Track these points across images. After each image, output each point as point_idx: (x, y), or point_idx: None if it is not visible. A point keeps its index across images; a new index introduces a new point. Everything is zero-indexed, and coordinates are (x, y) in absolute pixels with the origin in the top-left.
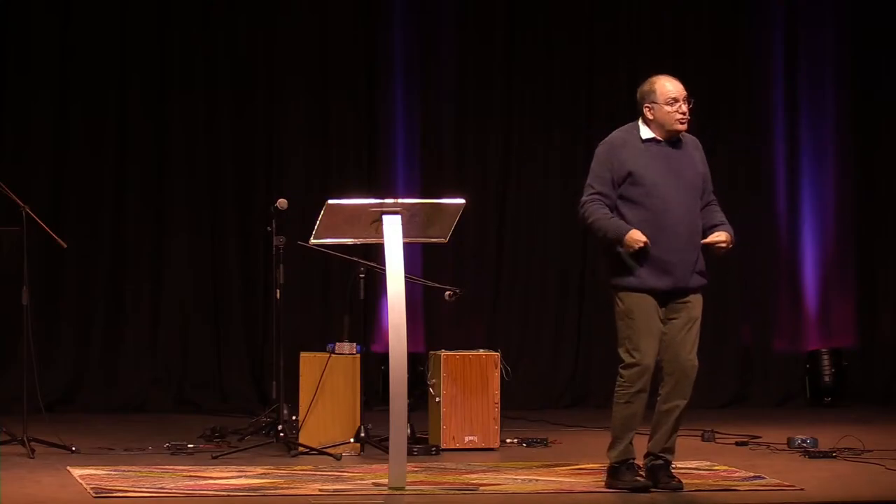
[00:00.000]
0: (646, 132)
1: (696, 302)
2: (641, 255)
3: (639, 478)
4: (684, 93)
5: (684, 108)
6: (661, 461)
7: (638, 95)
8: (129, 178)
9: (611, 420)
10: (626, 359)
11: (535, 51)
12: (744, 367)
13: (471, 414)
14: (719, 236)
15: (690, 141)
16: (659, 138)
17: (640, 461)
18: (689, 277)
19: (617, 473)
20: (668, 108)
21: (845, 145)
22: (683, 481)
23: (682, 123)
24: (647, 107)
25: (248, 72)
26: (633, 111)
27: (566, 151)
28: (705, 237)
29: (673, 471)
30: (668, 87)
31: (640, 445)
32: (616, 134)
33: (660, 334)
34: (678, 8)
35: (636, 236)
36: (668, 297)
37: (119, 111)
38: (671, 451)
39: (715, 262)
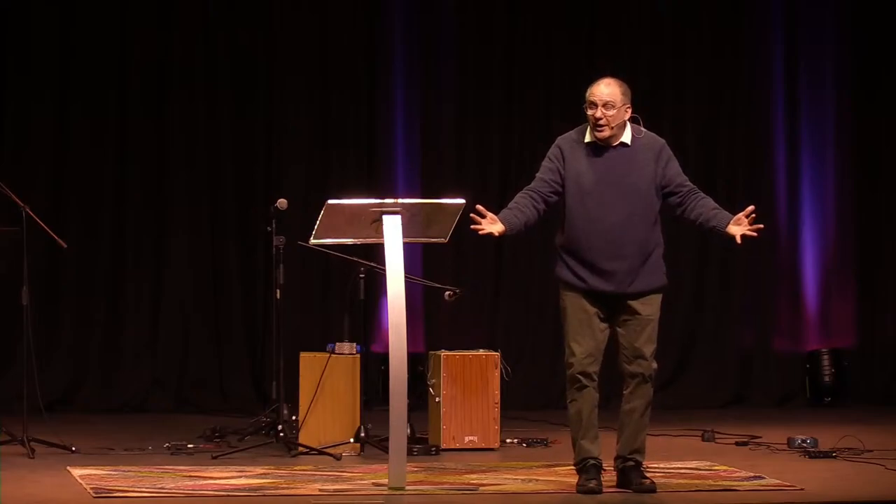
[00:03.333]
0: (588, 135)
1: (647, 304)
2: (578, 256)
3: (592, 482)
4: (607, 98)
5: (599, 113)
6: (631, 462)
7: None
8: (129, 178)
9: None
10: (565, 359)
11: (535, 51)
12: (744, 367)
13: (471, 414)
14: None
15: (645, 142)
16: (600, 143)
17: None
18: (630, 283)
19: (578, 476)
20: (588, 111)
21: (845, 145)
22: (683, 480)
23: (597, 129)
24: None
25: (248, 72)
26: (632, 111)
27: None
28: (708, 229)
29: (645, 470)
30: (593, 87)
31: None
32: (569, 133)
33: (598, 335)
34: (678, 8)
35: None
36: (613, 300)
37: (119, 111)
38: (641, 451)
39: (715, 263)
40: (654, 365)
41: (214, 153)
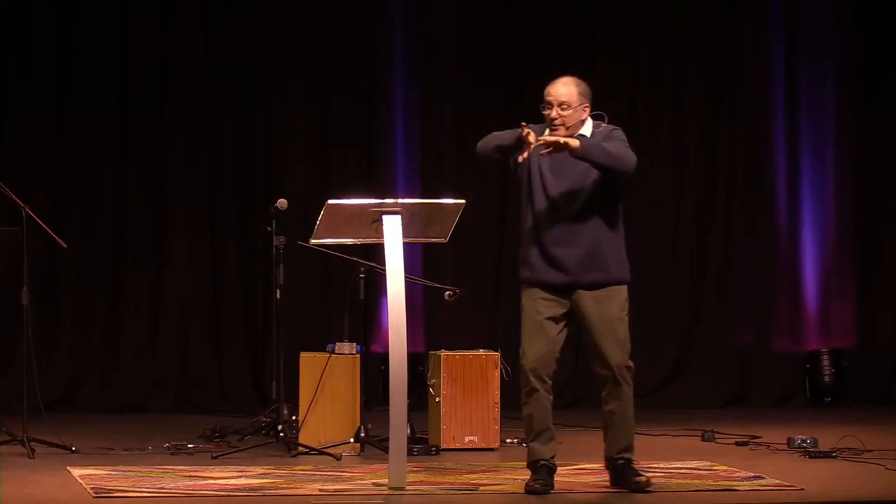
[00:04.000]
0: (545, 131)
1: (608, 303)
2: (532, 247)
3: (537, 482)
4: (563, 98)
5: (555, 113)
6: (622, 461)
7: None
8: (129, 178)
9: None
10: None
11: (535, 51)
12: (744, 367)
13: (471, 414)
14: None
15: (601, 136)
16: None
17: (602, 464)
18: (584, 273)
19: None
20: (545, 112)
21: (845, 145)
22: (683, 480)
23: (552, 128)
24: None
25: (248, 72)
26: (633, 111)
27: None
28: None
29: (637, 467)
30: (549, 87)
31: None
32: (539, 126)
33: (551, 338)
34: (678, 8)
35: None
36: (570, 297)
37: (119, 111)
38: (629, 449)
39: (715, 263)
40: (628, 363)
41: (214, 153)
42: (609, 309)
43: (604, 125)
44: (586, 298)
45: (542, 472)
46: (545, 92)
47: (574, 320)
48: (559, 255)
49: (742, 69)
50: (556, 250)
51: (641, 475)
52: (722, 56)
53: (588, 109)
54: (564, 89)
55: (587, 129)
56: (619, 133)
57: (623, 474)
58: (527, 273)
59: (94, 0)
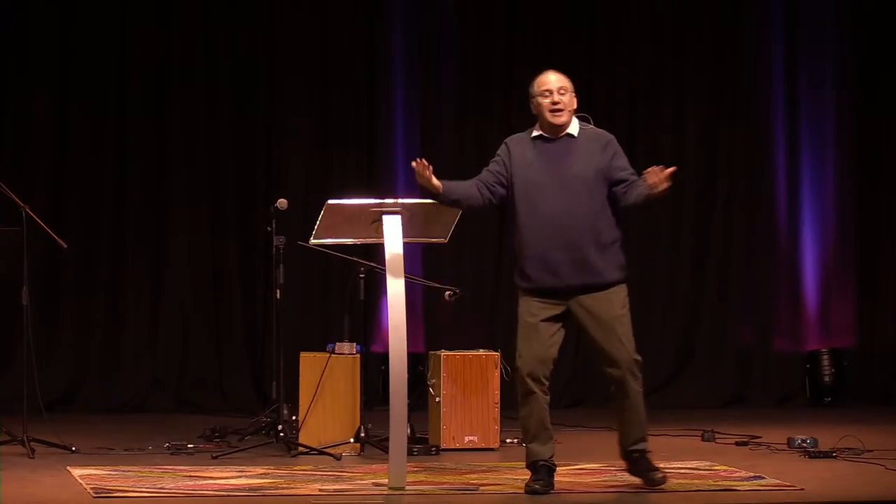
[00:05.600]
0: (535, 131)
1: (607, 303)
2: (526, 252)
3: (537, 482)
4: (560, 84)
5: (556, 98)
6: (636, 453)
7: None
8: (129, 178)
9: None
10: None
11: (535, 51)
12: (744, 367)
13: (471, 414)
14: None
15: (591, 135)
16: (546, 135)
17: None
18: (578, 275)
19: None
20: (541, 100)
21: (845, 145)
22: (683, 480)
23: (554, 115)
24: (531, 103)
25: (248, 72)
26: (632, 111)
27: None
28: (643, 200)
29: (654, 461)
30: (543, 78)
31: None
32: (517, 133)
33: (549, 339)
34: (678, 8)
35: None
36: (566, 298)
37: (119, 111)
38: (643, 439)
39: (715, 263)
40: (636, 357)
41: (214, 153)
42: (609, 308)
43: (590, 127)
44: (584, 301)
45: (542, 472)
46: (536, 85)
47: (571, 323)
48: (553, 258)
49: (742, 69)
50: (549, 253)
51: (657, 470)
52: (722, 56)
53: (576, 101)
54: (557, 76)
55: (574, 128)
56: (619, 149)
57: (639, 464)
58: (520, 281)
59: (94, 0)
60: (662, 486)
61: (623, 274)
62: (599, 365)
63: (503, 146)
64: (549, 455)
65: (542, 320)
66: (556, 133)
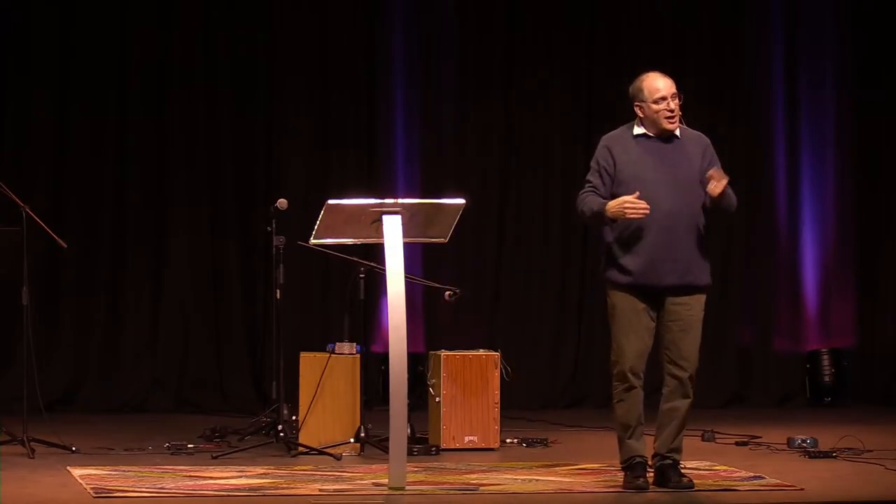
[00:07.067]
0: (637, 129)
1: (694, 303)
2: (631, 249)
3: (640, 479)
4: (672, 90)
5: (672, 105)
6: (669, 461)
7: (629, 94)
8: (129, 178)
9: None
10: (612, 357)
11: (535, 51)
12: (744, 367)
13: (471, 414)
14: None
15: (692, 136)
16: (650, 134)
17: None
18: (681, 276)
19: (624, 474)
20: (655, 107)
21: (845, 145)
22: (694, 481)
23: (670, 121)
24: (637, 105)
25: (248, 72)
26: (633, 111)
27: (566, 151)
28: (711, 209)
29: (682, 468)
30: (654, 84)
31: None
32: (614, 131)
33: (647, 334)
34: (678, 8)
35: (618, 201)
36: (661, 296)
37: (119, 111)
38: (678, 450)
39: (715, 262)
40: (696, 370)
41: (214, 153)
42: (693, 311)
43: (686, 128)
44: (676, 300)
45: (639, 468)
46: (645, 91)
47: (660, 318)
48: (659, 258)
49: (742, 69)
50: (658, 252)
51: (685, 476)
52: (722, 56)
53: None
54: (665, 81)
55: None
56: (715, 154)
57: (667, 475)
58: (619, 277)
59: (94, 0)
60: (692, 489)
61: (710, 280)
62: (663, 367)
63: (603, 149)
64: (644, 451)
65: (644, 315)
66: (661, 134)
